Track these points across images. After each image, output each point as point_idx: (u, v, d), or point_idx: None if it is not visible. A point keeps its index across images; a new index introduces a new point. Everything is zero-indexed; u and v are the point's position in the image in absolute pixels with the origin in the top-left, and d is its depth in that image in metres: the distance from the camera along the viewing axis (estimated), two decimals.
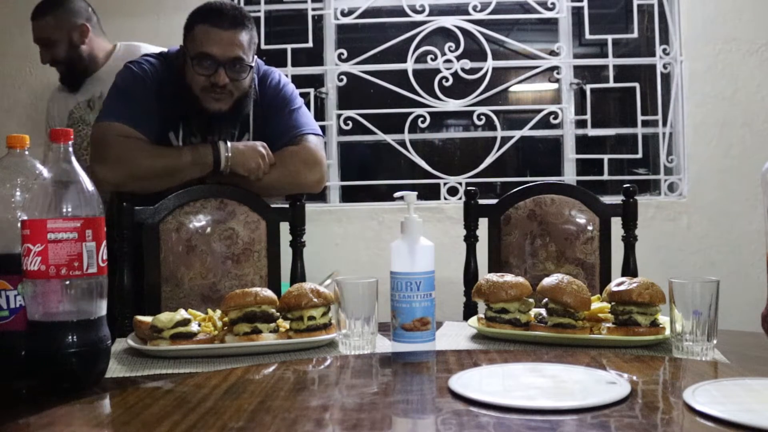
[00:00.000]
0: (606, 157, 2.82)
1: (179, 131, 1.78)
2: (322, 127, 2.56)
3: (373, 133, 2.85)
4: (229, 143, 1.70)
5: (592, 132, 2.84)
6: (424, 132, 2.89)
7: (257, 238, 1.74)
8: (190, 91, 1.72)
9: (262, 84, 1.84)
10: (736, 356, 1.08)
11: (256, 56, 1.79)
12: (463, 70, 2.83)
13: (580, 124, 2.85)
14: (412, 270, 1.12)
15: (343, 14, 2.87)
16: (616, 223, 1.83)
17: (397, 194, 1.19)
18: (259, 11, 2.83)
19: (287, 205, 1.78)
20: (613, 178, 2.81)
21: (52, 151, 0.98)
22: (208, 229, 1.71)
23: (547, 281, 1.22)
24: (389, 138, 2.85)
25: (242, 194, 1.75)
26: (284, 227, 1.77)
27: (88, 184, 0.98)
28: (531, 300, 1.26)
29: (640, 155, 2.82)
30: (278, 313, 1.20)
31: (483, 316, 1.28)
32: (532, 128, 2.84)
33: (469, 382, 0.84)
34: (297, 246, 1.77)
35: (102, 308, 0.98)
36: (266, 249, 1.75)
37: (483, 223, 1.85)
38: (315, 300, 1.18)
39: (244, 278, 1.71)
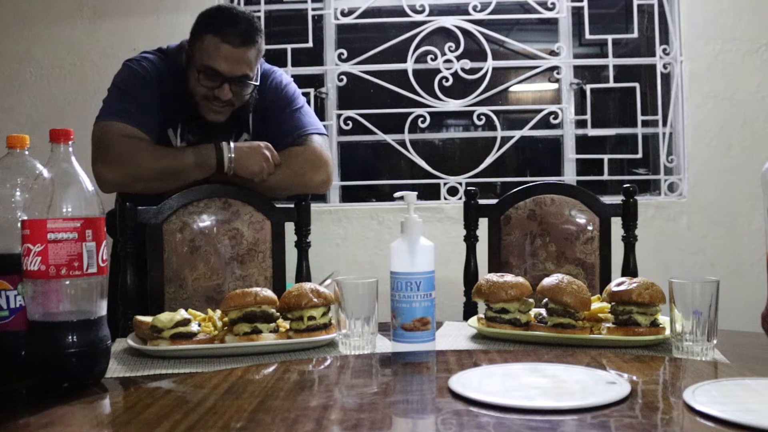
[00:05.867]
0: (606, 157, 2.82)
1: (177, 128, 1.77)
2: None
3: (373, 133, 2.85)
4: (232, 144, 1.69)
5: (592, 132, 2.84)
6: (424, 132, 2.89)
7: (262, 239, 1.73)
8: (191, 96, 1.72)
9: (263, 83, 1.83)
10: (736, 356, 1.08)
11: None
12: (463, 70, 2.83)
13: (580, 124, 2.85)
14: (412, 270, 1.11)
15: (343, 14, 2.87)
16: (616, 223, 1.83)
17: (397, 194, 1.19)
18: (259, 11, 2.83)
19: (292, 205, 1.77)
20: (613, 178, 2.81)
21: (51, 151, 0.98)
22: (213, 230, 1.70)
23: (547, 281, 1.22)
24: (389, 138, 2.85)
25: (247, 194, 1.74)
26: (289, 227, 1.77)
27: (88, 184, 0.98)
28: (531, 300, 1.26)
29: (640, 155, 2.82)
30: (278, 313, 1.20)
31: (483, 316, 1.28)
32: (532, 128, 2.84)
33: (469, 382, 0.84)
34: (302, 246, 1.76)
35: (102, 308, 0.98)
36: (271, 249, 1.74)
37: (483, 223, 1.85)
38: (315, 300, 1.18)
39: (249, 279, 1.70)
